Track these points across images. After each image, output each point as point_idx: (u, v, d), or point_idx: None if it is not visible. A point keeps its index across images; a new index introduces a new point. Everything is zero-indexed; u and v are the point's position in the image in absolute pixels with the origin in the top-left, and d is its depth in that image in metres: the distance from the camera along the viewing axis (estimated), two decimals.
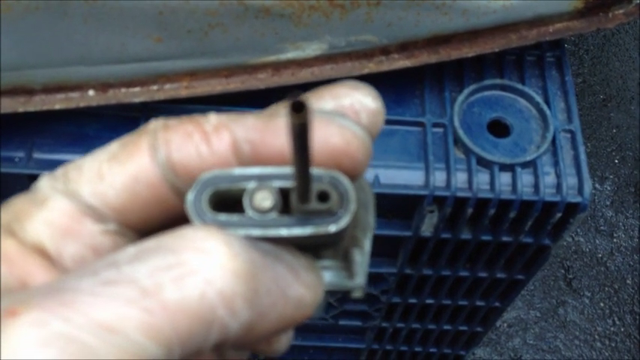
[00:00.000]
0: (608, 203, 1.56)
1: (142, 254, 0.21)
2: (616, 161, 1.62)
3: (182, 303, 0.20)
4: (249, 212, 0.23)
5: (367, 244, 0.28)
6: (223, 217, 0.23)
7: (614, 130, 1.68)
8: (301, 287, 0.24)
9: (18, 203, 0.25)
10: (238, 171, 0.24)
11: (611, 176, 1.60)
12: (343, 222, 0.23)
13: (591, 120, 1.68)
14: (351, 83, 0.27)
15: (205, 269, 0.21)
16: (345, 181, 0.24)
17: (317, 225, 0.23)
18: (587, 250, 1.49)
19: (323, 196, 0.24)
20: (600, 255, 1.49)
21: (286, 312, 0.24)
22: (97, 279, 0.20)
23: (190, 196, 0.23)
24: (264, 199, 0.23)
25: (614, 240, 1.51)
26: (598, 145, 1.65)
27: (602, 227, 1.53)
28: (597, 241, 1.51)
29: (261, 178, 0.24)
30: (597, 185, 1.59)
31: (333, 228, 0.23)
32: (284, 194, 0.24)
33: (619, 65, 1.78)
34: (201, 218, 0.23)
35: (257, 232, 0.23)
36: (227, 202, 0.24)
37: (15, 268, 0.23)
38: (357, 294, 0.28)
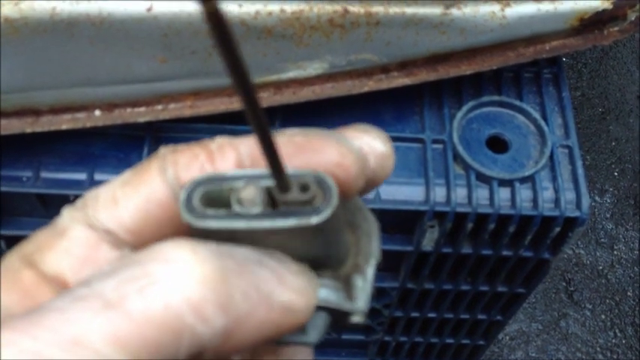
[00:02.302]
0: (608, 216, 1.57)
1: (113, 270, 0.22)
2: (615, 174, 1.63)
3: (147, 312, 0.21)
4: (235, 207, 0.24)
5: (370, 272, 0.28)
6: (211, 211, 0.24)
7: (613, 143, 1.69)
8: (288, 292, 0.24)
9: (40, 235, 0.26)
10: (230, 173, 0.25)
11: (611, 189, 1.61)
12: (324, 214, 0.24)
13: (590, 133, 1.70)
14: (361, 127, 0.28)
15: (169, 277, 0.22)
16: (328, 179, 0.25)
17: (299, 217, 0.24)
18: (588, 262, 1.50)
19: (303, 188, 0.24)
20: (601, 267, 1.50)
21: (271, 317, 0.24)
22: (69, 296, 0.21)
23: (182, 194, 0.25)
24: (250, 195, 0.24)
25: (615, 252, 1.52)
26: (597, 158, 1.66)
27: (602, 240, 1.54)
28: (598, 254, 1.52)
29: (250, 179, 0.25)
30: (597, 198, 1.60)
31: (314, 220, 0.24)
32: (272, 196, 0.25)
33: (617, 78, 1.79)
34: (190, 213, 0.24)
35: (241, 224, 0.24)
36: (218, 202, 0.25)
37: (26, 299, 0.24)
38: (357, 319, 0.28)
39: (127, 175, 0.26)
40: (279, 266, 0.25)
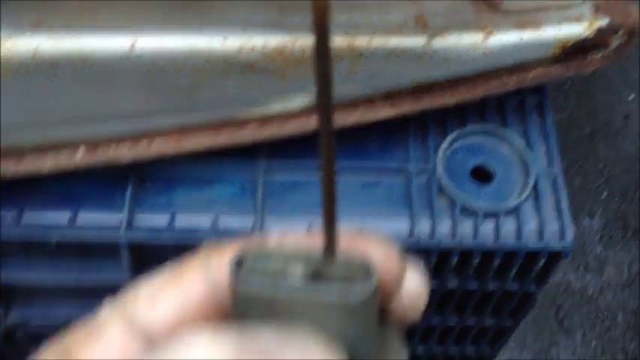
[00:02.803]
0: (597, 239, 1.57)
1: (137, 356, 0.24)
2: (604, 196, 1.64)
3: None
4: (279, 278, 0.25)
5: None
6: (255, 279, 0.25)
7: (602, 164, 1.69)
8: None
9: (78, 331, 0.27)
10: (278, 248, 0.27)
11: (600, 210, 1.62)
12: (363, 294, 0.25)
13: (578, 154, 1.70)
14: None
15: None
16: (371, 265, 0.26)
17: (337, 294, 0.25)
18: (578, 287, 1.50)
19: (348, 269, 0.26)
20: (591, 292, 1.49)
21: None
22: None
23: (231, 261, 0.26)
24: (295, 268, 0.26)
25: (604, 276, 1.52)
26: (586, 180, 1.67)
27: (591, 264, 1.54)
28: (587, 279, 1.51)
29: (297, 254, 0.26)
30: (586, 221, 1.60)
31: (352, 297, 0.25)
32: (316, 273, 0.26)
33: (604, 99, 1.81)
34: (234, 277, 0.25)
35: (280, 293, 0.25)
36: (264, 273, 0.26)
37: None
38: None
39: (169, 272, 0.27)
40: (305, 351, 0.24)
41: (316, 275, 0.26)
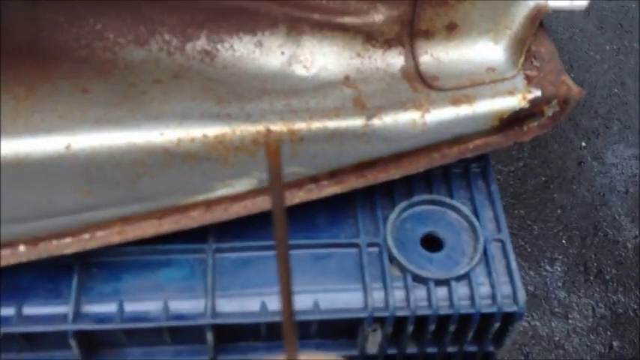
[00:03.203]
0: (560, 284, 1.59)
1: None
2: (564, 241, 1.66)
3: None
4: None
5: None
6: None
7: (559, 211, 1.72)
8: None
9: None
10: None
11: (560, 257, 1.64)
12: None
13: (536, 202, 1.73)
14: None
15: None
16: None
17: None
18: (544, 333, 1.51)
19: None
20: (557, 338, 1.50)
21: None
22: None
23: None
24: None
25: (570, 321, 1.53)
26: (544, 227, 1.69)
27: (556, 309, 1.55)
28: (553, 324, 1.52)
29: None
30: (547, 267, 1.62)
31: None
32: None
33: (557, 146, 1.85)
34: None
35: None
36: None
37: None
38: None
39: None
40: None
41: None
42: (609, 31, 2.17)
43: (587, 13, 2.19)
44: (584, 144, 1.86)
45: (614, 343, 1.52)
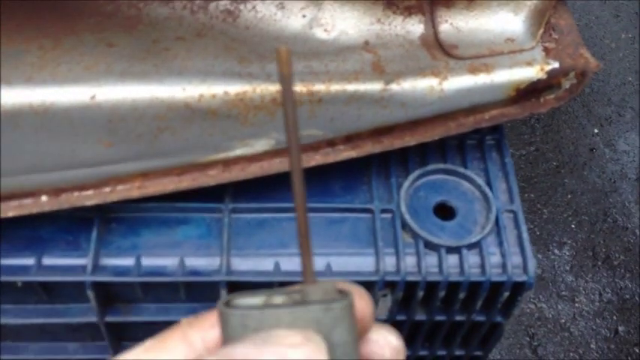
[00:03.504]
0: (567, 268, 1.60)
1: None
2: (573, 226, 1.67)
3: None
4: (263, 306, 0.30)
5: None
6: (244, 310, 0.29)
7: (569, 196, 1.73)
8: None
9: None
10: (264, 291, 0.31)
11: (569, 241, 1.64)
12: (343, 302, 0.29)
13: (546, 187, 1.73)
14: (379, 323, 0.33)
15: None
16: (348, 287, 0.31)
17: (317, 308, 0.29)
18: (551, 316, 1.52)
19: (326, 292, 0.30)
20: (563, 320, 1.51)
21: None
22: None
23: (220, 301, 0.30)
24: (277, 298, 0.30)
25: (576, 305, 1.54)
26: (554, 212, 1.70)
27: (563, 292, 1.56)
28: (560, 307, 1.53)
29: (280, 290, 0.31)
30: (556, 251, 1.62)
31: (335, 305, 0.29)
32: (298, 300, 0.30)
33: (569, 132, 1.85)
34: (224, 309, 0.29)
35: (268, 318, 0.29)
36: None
37: None
38: None
39: (150, 342, 0.29)
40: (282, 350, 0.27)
41: (297, 302, 0.30)
42: (625, 19, 2.16)
43: (604, 1, 2.18)
44: (596, 130, 1.86)
45: (620, 328, 1.52)
